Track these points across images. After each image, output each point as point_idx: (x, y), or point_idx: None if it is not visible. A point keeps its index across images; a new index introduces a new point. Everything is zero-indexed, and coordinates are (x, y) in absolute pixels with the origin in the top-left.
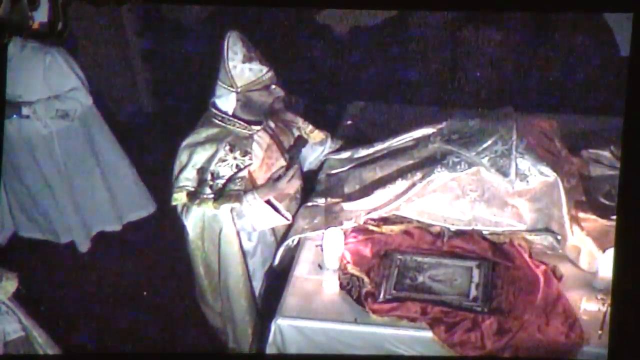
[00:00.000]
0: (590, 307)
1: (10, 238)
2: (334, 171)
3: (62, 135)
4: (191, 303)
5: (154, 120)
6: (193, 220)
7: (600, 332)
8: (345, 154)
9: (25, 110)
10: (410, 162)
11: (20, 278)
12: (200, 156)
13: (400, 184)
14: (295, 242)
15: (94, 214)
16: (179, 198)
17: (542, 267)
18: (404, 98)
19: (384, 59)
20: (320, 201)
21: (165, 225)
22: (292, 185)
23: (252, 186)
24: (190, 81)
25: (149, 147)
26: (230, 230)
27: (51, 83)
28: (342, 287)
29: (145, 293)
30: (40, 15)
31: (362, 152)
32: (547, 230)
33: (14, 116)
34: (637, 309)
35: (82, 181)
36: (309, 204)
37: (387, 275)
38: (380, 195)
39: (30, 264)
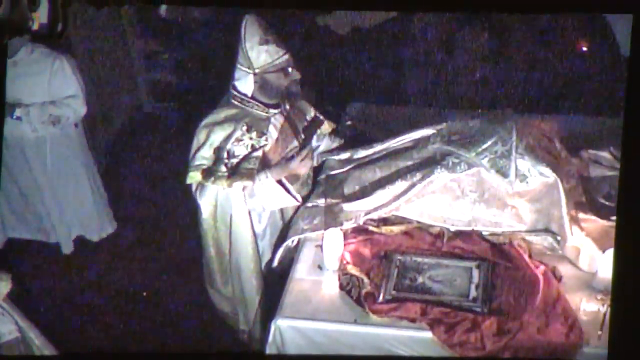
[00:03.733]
0: (590, 307)
1: (6, 241)
2: (333, 172)
3: (55, 140)
4: (192, 300)
5: (153, 120)
6: (207, 200)
7: (599, 332)
8: (344, 155)
9: (18, 112)
10: (410, 162)
11: (14, 279)
12: (218, 135)
13: (400, 185)
14: (295, 242)
15: (76, 218)
16: (195, 177)
17: (542, 267)
18: (403, 99)
19: (384, 60)
20: (320, 202)
21: (161, 224)
22: (304, 165)
23: (265, 166)
24: (191, 81)
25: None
26: (241, 210)
27: (53, 88)
28: (341, 287)
29: (145, 293)
30: (40, 16)
31: (362, 153)
32: (547, 230)
33: (9, 117)
34: (637, 309)
35: (68, 186)
36: (309, 204)
37: (386, 276)
38: (380, 196)
39: (27, 265)
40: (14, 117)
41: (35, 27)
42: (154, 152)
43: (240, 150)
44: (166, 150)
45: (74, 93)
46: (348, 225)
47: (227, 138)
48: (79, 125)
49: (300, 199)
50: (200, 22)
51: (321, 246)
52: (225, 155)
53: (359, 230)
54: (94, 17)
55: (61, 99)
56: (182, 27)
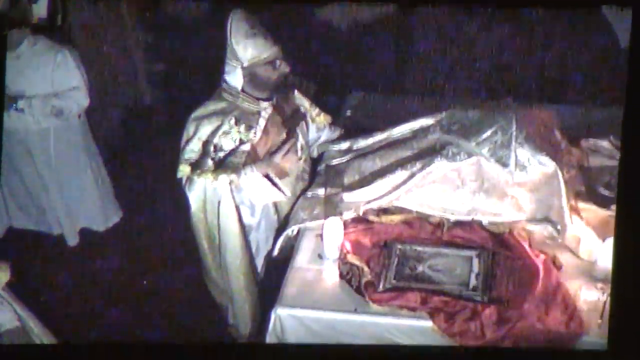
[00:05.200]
0: (590, 296)
1: (7, 231)
2: (333, 162)
3: (59, 132)
4: (190, 291)
5: (153, 112)
6: (195, 193)
7: (599, 321)
8: (344, 145)
9: (21, 104)
10: (410, 152)
11: (13, 268)
12: (206, 129)
13: (400, 175)
14: (295, 232)
15: (81, 210)
16: (184, 170)
17: (542, 256)
18: (403, 89)
19: (384, 50)
20: (320, 192)
21: (160, 215)
22: (288, 159)
23: (254, 160)
24: (189, 73)
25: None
26: (228, 204)
27: (56, 80)
28: (342, 276)
29: (145, 282)
30: (40, 9)
31: (362, 143)
32: (547, 220)
33: (11, 109)
34: (636, 298)
35: (72, 177)
36: (309, 194)
37: (387, 265)
38: (380, 186)
39: (28, 255)
40: (17, 108)
41: (34, 19)
42: (154, 143)
43: (227, 144)
44: (166, 141)
45: (76, 85)
46: (348, 215)
47: (215, 131)
48: (82, 116)
49: (288, 193)
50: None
51: (321, 235)
52: (212, 148)
53: (359, 220)
54: (93, 9)
55: (64, 90)
56: (181, 19)
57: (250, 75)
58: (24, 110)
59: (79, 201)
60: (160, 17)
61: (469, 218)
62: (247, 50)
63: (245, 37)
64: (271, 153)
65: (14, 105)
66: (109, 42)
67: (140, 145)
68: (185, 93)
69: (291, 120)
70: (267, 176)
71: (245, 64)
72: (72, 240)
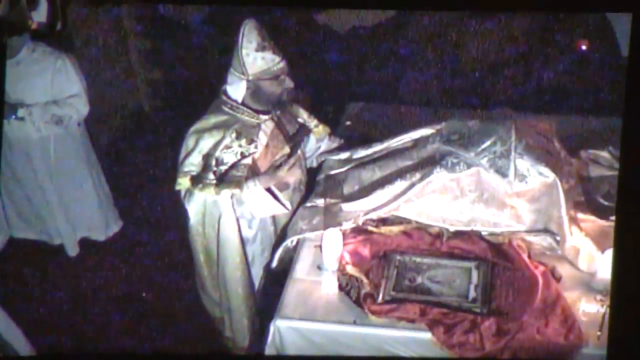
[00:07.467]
0: (589, 308)
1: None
2: (333, 172)
3: (59, 140)
4: (190, 301)
5: (152, 120)
6: (195, 206)
7: (599, 333)
8: (344, 155)
9: (21, 112)
10: (409, 162)
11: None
12: (207, 142)
13: (399, 185)
14: (294, 242)
15: (81, 219)
16: (183, 183)
17: (541, 268)
18: (403, 99)
19: (383, 59)
20: (320, 202)
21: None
22: (293, 174)
23: (255, 173)
24: (188, 81)
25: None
26: (229, 217)
27: (55, 87)
28: (341, 288)
29: (144, 294)
30: (40, 15)
31: (361, 153)
32: (546, 230)
33: (11, 117)
34: (636, 310)
35: (72, 186)
36: (308, 204)
37: (386, 276)
38: (379, 196)
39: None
40: (17, 117)
41: (34, 25)
42: (153, 151)
43: (229, 158)
44: (165, 149)
45: (76, 92)
46: (347, 226)
47: (216, 145)
48: (81, 124)
49: (289, 207)
50: (199, 22)
51: (320, 246)
52: (213, 162)
53: (358, 231)
54: (93, 16)
55: (64, 98)
56: (181, 26)
57: (254, 88)
58: (24, 118)
59: (79, 210)
60: (160, 25)
61: (468, 228)
62: (256, 63)
63: (255, 50)
64: (275, 167)
65: (14, 113)
66: (109, 49)
67: (140, 153)
68: (184, 101)
69: (295, 134)
70: (268, 190)
71: (251, 77)
72: (72, 251)
